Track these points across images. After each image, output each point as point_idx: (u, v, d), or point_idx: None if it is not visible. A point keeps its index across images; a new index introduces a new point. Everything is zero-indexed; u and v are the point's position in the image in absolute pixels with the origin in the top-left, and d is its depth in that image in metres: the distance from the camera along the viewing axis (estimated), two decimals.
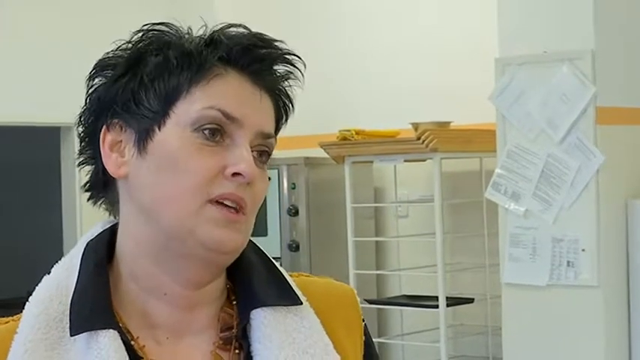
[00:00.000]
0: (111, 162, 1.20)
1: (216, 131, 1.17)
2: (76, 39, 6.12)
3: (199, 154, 1.16)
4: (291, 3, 6.41)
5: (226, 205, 1.16)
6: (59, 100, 5.97)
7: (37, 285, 1.22)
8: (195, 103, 1.17)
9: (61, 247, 6.23)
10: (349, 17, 6.18)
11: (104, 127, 1.20)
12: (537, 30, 4.25)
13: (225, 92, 1.18)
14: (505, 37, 4.33)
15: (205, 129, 1.16)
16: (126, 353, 1.15)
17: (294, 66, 1.23)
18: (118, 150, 1.20)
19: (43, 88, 6.05)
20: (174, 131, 1.17)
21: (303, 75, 1.24)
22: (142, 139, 1.18)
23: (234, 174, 1.16)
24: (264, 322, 1.20)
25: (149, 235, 1.18)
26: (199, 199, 1.15)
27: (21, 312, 1.21)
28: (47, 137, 6.59)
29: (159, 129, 1.17)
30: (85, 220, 6.07)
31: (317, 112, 5.66)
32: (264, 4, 6.34)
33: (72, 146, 6.16)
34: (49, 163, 6.69)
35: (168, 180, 1.16)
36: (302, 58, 1.24)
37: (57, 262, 1.24)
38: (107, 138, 1.20)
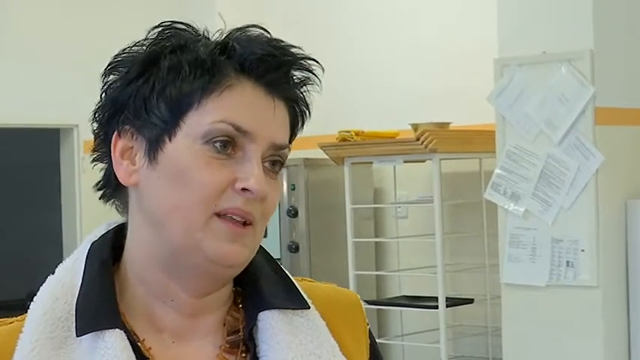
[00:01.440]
0: (122, 169, 1.18)
1: (227, 144, 1.15)
2: (76, 41, 6.13)
3: (209, 168, 1.14)
4: (292, 4, 6.41)
5: (233, 219, 1.15)
6: (59, 103, 5.98)
7: (38, 286, 1.21)
8: (207, 116, 1.14)
9: (60, 249, 6.23)
10: (349, 18, 6.18)
11: (115, 132, 1.19)
12: (536, 31, 4.25)
13: (238, 104, 1.15)
14: (504, 38, 4.33)
15: (216, 142, 1.14)
16: (133, 353, 1.14)
17: (311, 71, 1.20)
18: (129, 157, 1.18)
19: (43, 90, 6.06)
20: (185, 143, 1.15)
21: (320, 80, 1.21)
22: (153, 149, 1.16)
23: (244, 189, 1.15)
24: (272, 323, 1.20)
25: (157, 244, 1.17)
26: (207, 212, 1.14)
27: (20, 314, 1.20)
28: (47, 139, 6.59)
29: (169, 139, 1.15)
30: (84, 221, 6.07)
31: (316, 113, 5.62)
32: (265, 5, 6.34)
33: (71, 148, 6.17)
34: (49, 165, 6.69)
35: (177, 192, 1.15)
36: (319, 61, 1.21)
37: (58, 263, 1.23)
38: (118, 144, 1.18)
